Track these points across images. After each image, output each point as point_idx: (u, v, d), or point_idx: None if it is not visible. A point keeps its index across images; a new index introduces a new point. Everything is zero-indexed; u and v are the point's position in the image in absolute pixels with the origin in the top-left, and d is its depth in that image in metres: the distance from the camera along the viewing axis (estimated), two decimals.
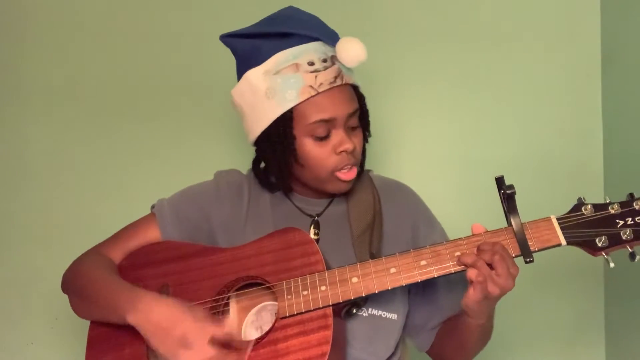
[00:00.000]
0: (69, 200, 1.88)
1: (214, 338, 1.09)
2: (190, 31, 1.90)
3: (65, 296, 1.32)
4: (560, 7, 1.82)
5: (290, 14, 1.30)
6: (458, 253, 1.12)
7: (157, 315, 1.11)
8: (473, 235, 1.14)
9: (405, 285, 1.13)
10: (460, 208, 1.77)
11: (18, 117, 1.90)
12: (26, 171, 1.89)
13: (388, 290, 1.13)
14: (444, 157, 1.84)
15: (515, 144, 1.82)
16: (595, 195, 1.74)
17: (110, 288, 1.20)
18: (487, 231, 1.14)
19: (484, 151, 1.82)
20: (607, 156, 1.79)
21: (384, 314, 1.24)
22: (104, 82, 1.89)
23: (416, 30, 1.85)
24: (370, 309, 1.24)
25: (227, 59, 1.82)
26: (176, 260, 1.26)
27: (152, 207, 1.36)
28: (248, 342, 1.14)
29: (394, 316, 1.25)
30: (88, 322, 1.27)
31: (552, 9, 1.83)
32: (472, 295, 1.09)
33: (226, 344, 1.11)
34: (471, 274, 1.08)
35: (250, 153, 1.36)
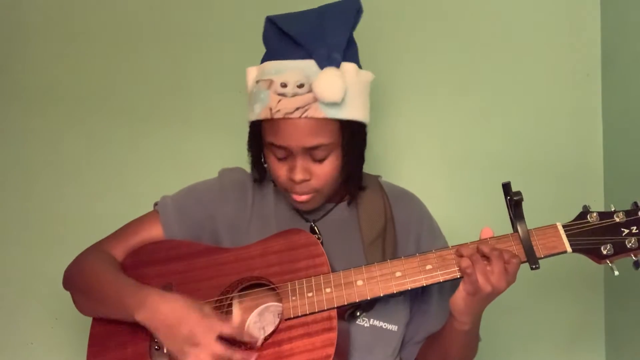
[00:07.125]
0: (69, 199, 1.86)
1: (221, 334, 1.10)
2: (191, 30, 1.89)
3: (65, 296, 1.31)
4: (560, 7, 1.82)
5: (315, 17, 1.20)
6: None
7: (164, 312, 1.11)
8: (479, 240, 1.14)
9: (409, 296, 1.13)
10: (461, 210, 1.77)
11: (18, 116, 1.89)
12: (26, 171, 1.88)
13: (392, 300, 1.13)
14: (443, 158, 1.84)
15: (515, 144, 1.81)
16: (595, 195, 1.78)
17: (116, 286, 1.20)
18: (493, 237, 1.14)
19: (484, 152, 1.82)
20: (607, 156, 1.79)
21: (385, 325, 1.24)
22: (104, 81, 1.88)
23: (415, 32, 1.84)
24: (372, 320, 1.23)
25: (229, 56, 1.84)
26: (179, 260, 1.26)
27: (155, 204, 1.35)
28: (256, 339, 1.14)
29: (394, 327, 1.25)
30: (88, 323, 1.26)
31: (552, 9, 1.82)
32: (462, 288, 1.08)
33: (233, 341, 1.12)
34: (462, 262, 1.08)
35: None
